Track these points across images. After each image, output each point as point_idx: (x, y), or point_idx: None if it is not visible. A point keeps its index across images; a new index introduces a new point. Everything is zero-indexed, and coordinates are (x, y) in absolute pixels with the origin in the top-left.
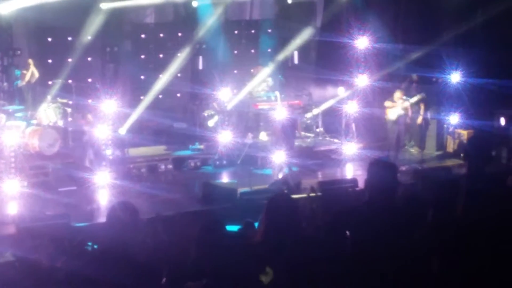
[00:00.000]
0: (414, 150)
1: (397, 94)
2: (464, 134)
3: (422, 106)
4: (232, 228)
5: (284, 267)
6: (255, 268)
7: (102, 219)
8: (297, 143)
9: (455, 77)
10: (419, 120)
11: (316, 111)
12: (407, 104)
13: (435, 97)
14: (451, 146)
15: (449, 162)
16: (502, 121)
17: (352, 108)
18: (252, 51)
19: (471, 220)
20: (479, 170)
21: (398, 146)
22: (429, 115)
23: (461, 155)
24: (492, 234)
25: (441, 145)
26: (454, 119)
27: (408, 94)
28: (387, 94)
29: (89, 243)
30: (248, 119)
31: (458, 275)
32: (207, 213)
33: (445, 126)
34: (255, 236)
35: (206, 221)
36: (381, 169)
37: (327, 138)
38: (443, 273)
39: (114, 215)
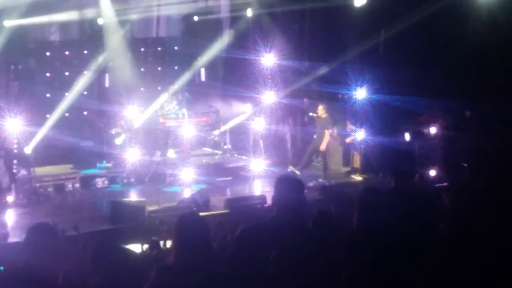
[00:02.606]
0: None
1: (320, 107)
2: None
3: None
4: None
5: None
6: None
7: (8, 239)
8: (204, 160)
9: (361, 94)
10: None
11: (223, 128)
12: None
13: (341, 113)
14: (357, 162)
15: (356, 178)
16: (407, 136)
17: (259, 125)
18: (159, 68)
19: (366, 235)
20: (406, 184)
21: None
22: (335, 131)
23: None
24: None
25: (347, 160)
26: (360, 135)
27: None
28: (294, 111)
29: None
30: (156, 136)
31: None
32: (115, 232)
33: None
34: (167, 257)
35: (100, 240)
36: (288, 185)
37: (235, 155)
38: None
39: (33, 236)
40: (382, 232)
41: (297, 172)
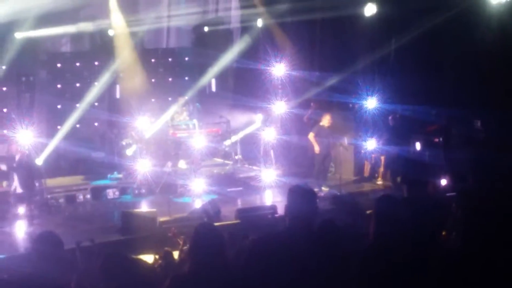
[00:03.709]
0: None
1: (328, 117)
2: (381, 159)
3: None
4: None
5: None
6: None
7: (18, 250)
8: (215, 170)
9: (371, 103)
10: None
11: (234, 138)
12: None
13: (352, 122)
14: (368, 171)
15: (367, 187)
16: (418, 146)
17: (270, 135)
18: (170, 79)
19: (384, 246)
20: (419, 194)
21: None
22: (346, 141)
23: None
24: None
25: (358, 170)
26: (371, 144)
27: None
28: (305, 121)
29: None
30: (167, 147)
31: None
32: (126, 243)
33: (362, 151)
34: (180, 267)
35: (109, 251)
36: (300, 196)
37: (246, 165)
38: None
39: (37, 246)
40: (400, 245)
41: (325, 189)
